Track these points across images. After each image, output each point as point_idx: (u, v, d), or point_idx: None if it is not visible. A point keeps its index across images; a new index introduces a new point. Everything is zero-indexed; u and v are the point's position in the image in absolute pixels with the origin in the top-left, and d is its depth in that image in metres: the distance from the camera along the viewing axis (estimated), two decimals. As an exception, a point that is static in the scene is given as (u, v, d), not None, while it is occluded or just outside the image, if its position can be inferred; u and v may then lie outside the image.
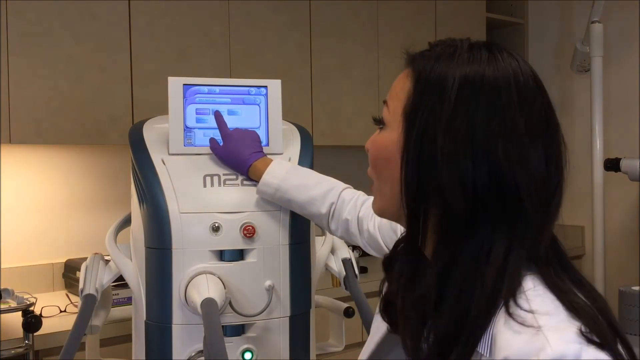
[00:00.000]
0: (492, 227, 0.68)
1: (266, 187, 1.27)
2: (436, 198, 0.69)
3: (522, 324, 0.63)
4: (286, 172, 1.28)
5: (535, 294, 0.66)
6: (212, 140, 1.34)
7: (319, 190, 1.26)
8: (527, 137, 0.68)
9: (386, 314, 0.83)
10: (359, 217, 1.23)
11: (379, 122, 0.78)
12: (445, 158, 0.67)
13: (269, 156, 1.36)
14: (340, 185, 1.29)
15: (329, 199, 1.26)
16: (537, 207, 0.68)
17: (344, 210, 1.25)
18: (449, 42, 0.74)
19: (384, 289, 0.85)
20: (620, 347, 0.63)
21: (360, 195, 1.28)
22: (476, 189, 0.67)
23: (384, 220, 1.19)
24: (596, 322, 0.63)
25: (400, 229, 1.07)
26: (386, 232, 1.17)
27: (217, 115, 1.34)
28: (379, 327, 0.87)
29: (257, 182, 1.30)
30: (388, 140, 0.75)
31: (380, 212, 0.81)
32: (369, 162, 0.80)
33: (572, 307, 0.64)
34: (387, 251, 1.13)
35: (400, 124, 0.73)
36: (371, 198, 1.25)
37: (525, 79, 0.70)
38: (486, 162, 0.66)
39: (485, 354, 0.65)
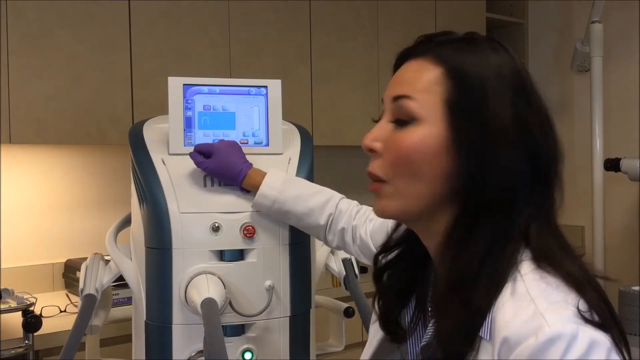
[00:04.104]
0: (524, 202, 0.71)
1: (263, 199, 1.26)
2: (495, 184, 0.70)
3: (548, 273, 0.67)
4: (282, 183, 1.27)
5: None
6: (194, 155, 1.29)
7: (316, 201, 1.26)
8: (546, 113, 0.74)
9: (386, 328, 0.84)
10: (354, 226, 1.24)
11: (408, 120, 0.74)
12: (502, 143, 0.70)
13: (269, 157, 1.36)
14: (337, 195, 1.29)
15: (327, 210, 1.25)
16: (559, 178, 0.73)
17: (341, 220, 1.25)
18: (456, 33, 0.77)
19: (378, 304, 0.85)
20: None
21: (354, 204, 1.28)
22: (524, 168, 0.71)
23: (377, 226, 1.19)
24: (592, 296, 0.66)
25: None
26: (379, 238, 1.16)
27: (198, 147, 1.30)
28: (375, 335, 0.88)
29: (249, 191, 1.29)
30: (427, 135, 0.72)
31: (400, 214, 0.77)
32: (390, 162, 0.75)
33: (571, 279, 0.68)
34: None
35: (442, 118, 0.72)
36: (364, 207, 1.26)
37: (521, 64, 0.76)
38: (528, 140, 0.71)
39: (485, 337, 0.67)
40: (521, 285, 0.67)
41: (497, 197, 0.70)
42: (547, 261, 0.69)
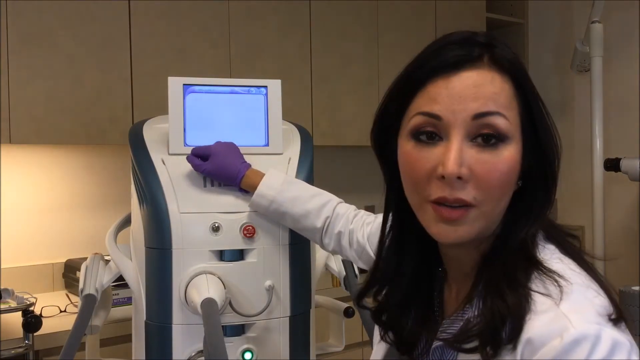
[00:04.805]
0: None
1: (261, 199, 1.26)
2: (552, 181, 0.74)
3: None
4: (281, 183, 1.26)
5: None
6: (191, 158, 1.29)
7: (314, 203, 1.25)
8: None
9: (394, 339, 0.82)
10: (350, 230, 1.23)
11: (499, 139, 0.69)
12: (555, 142, 0.73)
13: (268, 157, 1.36)
14: (335, 199, 1.29)
15: (324, 213, 1.25)
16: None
17: (338, 223, 1.24)
18: (477, 32, 0.74)
19: (382, 319, 0.84)
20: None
21: (352, 209, 1.28)
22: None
23: (374, 229, 1.19)
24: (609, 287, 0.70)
25: None
26: (376, 241, 1.16)
27: (194, 150, 1.31)
28: (377, 351, 0.87)
29: (248, 192, 1.29)
30: (516, 153, 0.70)
31: (476, 236, 0.72)
32: (484, 187, 0.69)
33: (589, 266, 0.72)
34: None
35: (520, 132, 0.71)
36: (361, 212, 1.26)
37: None
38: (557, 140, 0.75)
39: (505, 338, 0.66)
40: (546, 280, 0.69)
41: (552, 192, 0.74)
42: (568, 246, 0.74)
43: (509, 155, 0.69)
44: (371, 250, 1.18)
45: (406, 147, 0.73)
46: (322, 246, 1.29)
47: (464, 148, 0.69)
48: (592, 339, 0.61)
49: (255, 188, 1.27)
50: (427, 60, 0.72)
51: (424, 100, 0.71)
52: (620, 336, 0.63)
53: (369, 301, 0.88)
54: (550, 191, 0.74)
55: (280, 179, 1.28)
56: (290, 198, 1.25)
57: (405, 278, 0.81)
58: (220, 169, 1.28)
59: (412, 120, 0.72)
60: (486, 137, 0.69)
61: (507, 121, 0.69)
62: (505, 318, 0.66)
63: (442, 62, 0.70)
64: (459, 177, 0.68)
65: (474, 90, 0.69)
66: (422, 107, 0.71)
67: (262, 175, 1.28)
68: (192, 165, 1.29)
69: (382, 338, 0.84)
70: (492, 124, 0.68)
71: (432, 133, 0.70)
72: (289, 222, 1.27)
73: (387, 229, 0.83)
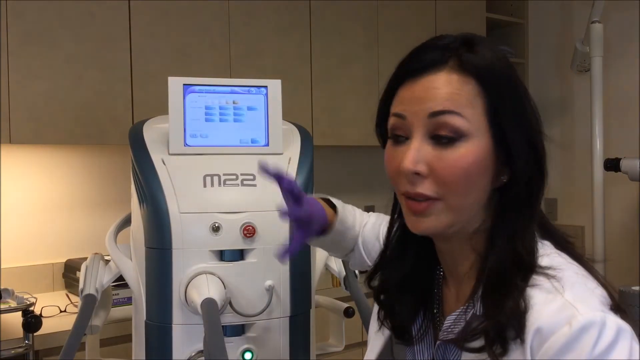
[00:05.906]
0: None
1: (340, 225, 1.09)
2: (535, 174, 0.75)
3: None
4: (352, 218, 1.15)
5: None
6: (286, 197, 0.99)
7: (356, 230, 1.15)
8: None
9: (393, 329, 0.84)
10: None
11: (455, 137, 0.72)
12: (537, 135, 0.75)
13: (269, 157, 1.36)
14: (365, 218, 1.19)
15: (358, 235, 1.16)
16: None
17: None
18: (454, 36, 0.76)
19: (383, 307, 0.85)
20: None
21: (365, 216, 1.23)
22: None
23: (367, 231, 1.14)
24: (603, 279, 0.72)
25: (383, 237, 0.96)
26: (370, 243, 1.14)
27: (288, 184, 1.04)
28: (376, 338, 0.89)
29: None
30: (478, 150, 0.72)
31: (448, 228, 0.75)
32: (443, 182, 0.72)
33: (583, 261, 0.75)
34: (368, 263, 1.13)
35: (487, 129, 0.72)
36: (369, 221, 1.20)
37: None
38: (541, 136, 0.76)
39: (511, 335, 0.68)
40: (551, 273, 0.71)
41: (537, 186, 0.75)
42: (564, 242, 0.77)
43: (466, 152, 0.72)
44: (365, 253, 1.16)
45: (387, 146, 0.79)
46: (348, 263, 1.25)
47: (423, 146, 0.73)
48: (599, 325, 0.64)
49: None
50: (402, 65, 0.77)
51: (396, 103, 0.77)
52: (622, 323, 0.66)
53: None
54: (533, 187, 0.75)
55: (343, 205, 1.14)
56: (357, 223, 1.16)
57: (405, 262, 0.85)
58: (310, 217, 1.02)
59: (390, 121, 0.77)
60: (443, 135, 0.72)
61: (463, 119, 0.72)
62: (506, 322, 0.68)
63: (411, 67, 0.76)
64: (417, 174, 0.73)
65: (432, 92, 0.73)
66: (394, 109, 0.77)
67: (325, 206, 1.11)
68: (289, 213, 0.98)
69: (382, 323, 0.87)
70: (448, 122, 0.72)
71: (401, 135, 0.76)
72: (348, 243, 1.15)
73: (395, 219, 0.87)
